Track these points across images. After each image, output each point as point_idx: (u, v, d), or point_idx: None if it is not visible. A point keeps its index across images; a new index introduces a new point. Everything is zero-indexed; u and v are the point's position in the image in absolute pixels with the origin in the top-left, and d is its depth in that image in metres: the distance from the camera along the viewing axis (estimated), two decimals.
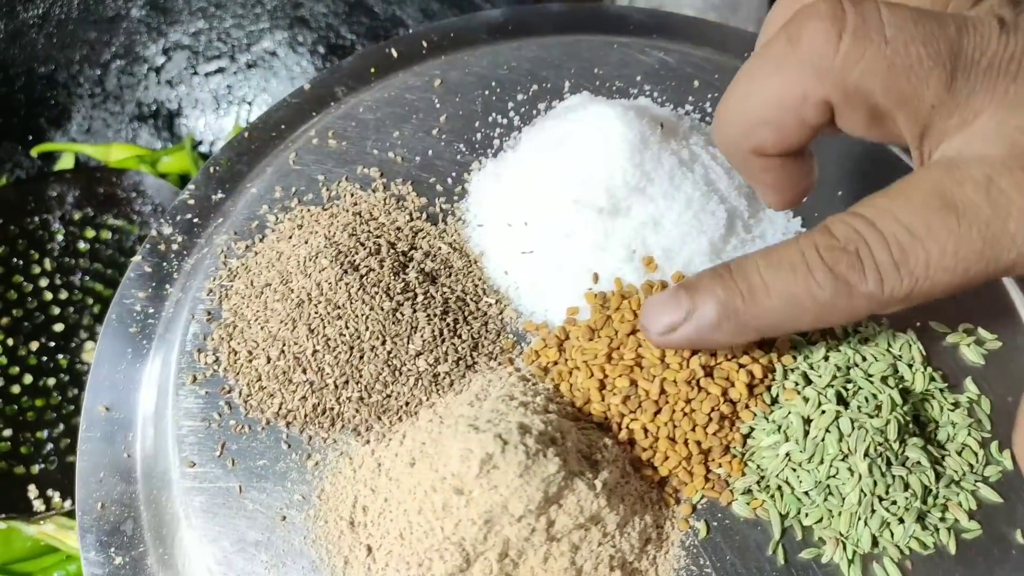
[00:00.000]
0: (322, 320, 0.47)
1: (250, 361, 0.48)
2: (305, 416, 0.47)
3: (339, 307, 0.47)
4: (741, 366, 0.48)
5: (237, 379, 0.48)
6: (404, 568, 0.41)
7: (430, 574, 0.40)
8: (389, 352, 0.48)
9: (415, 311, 0.49)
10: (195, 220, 0.57)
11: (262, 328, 0.49)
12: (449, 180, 0.57)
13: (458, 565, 0.40)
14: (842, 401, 0.47)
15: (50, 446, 0.63)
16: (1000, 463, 0.48)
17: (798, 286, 0.38)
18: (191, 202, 0.57)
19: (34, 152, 0.83)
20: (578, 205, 0.51)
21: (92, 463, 0.48)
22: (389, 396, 0.47)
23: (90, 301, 0.70)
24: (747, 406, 0.47)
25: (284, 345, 0.48)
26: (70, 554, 0.60)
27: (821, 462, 0.45)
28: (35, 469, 0.62)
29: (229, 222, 0.55)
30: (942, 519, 0.45)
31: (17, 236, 0.72)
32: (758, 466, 0.46)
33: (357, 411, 0.47)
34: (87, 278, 0.71)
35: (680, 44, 0.66)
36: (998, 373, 0.51)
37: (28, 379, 0.65)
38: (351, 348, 0.47)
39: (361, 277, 0.48)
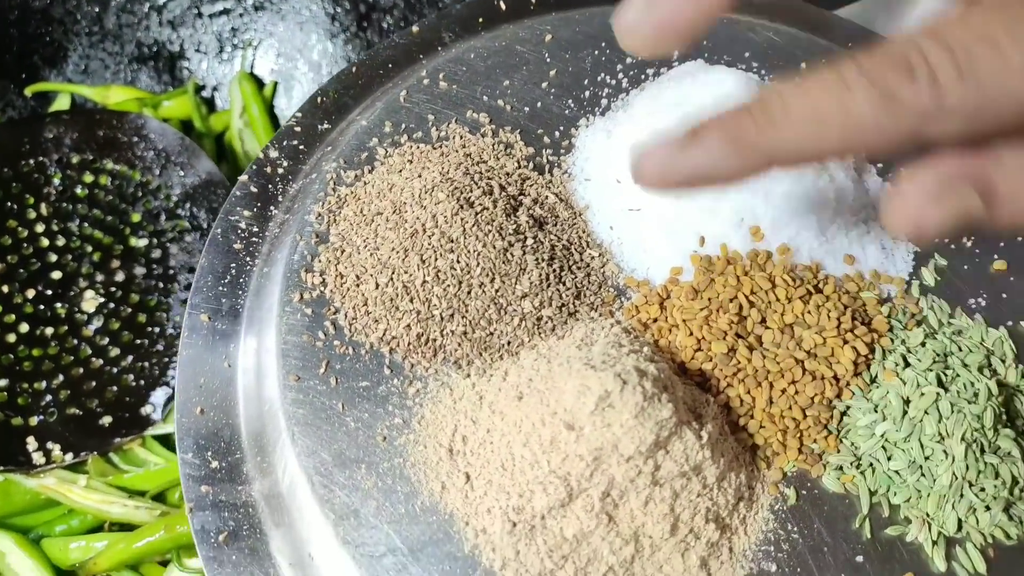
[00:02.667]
0: (435, 251, 0.48)
1: (357, 286, 0.49)
2: (409, 344, 0.48)
3: (452, 240, 0.48)
4: (845, 342, 0.48)
5: (343, 302, 0.49)
6: (504, 497, 0.42)
7: (530, 505, 0.41)
8: (497, 290, 0.48)
9: (524, 253, 0.49)
10: (301, 147, 0.58)
11: (371, 254, 0.49)
12: (556, 133, 0.58)
13: (560, 499, 0.40)
14: (941, 385, 0.47)
15: (49, 397, 0.60)
16: None
17: (827, 100, 0.31)
18: (297, 129, 0.58)
19: (28, 92, 0.80)
20: None
21: (193, 369, 0.49)
22: (492, 333, 0.48)
23: (89, 249, 0.66)
24: (847, 384, 0.48)
25: (393, 273, 0.48)
26: (72, 508, 0.59)
27: (918, 442, 0.45)
28: (33, 421, 0.59)
29: (337, 151, 0.56)
30: None
31: (11, 179, 0.69)
32: (852, 443, 0.47)
33: (460, 344, 0.48)
34: (86, 225, 0.67)
35: (790, 26, 0.66)
36: None
37: (24, 328, 0.62)
38: (460, 282, 0.48)
39: (476, 214, 0.49)
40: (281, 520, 0.44)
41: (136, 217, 0.68)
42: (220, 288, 0.52)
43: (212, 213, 0.68)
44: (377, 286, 0.48)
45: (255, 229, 0.54)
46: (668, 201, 0.52)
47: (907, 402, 0.47)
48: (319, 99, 0.60)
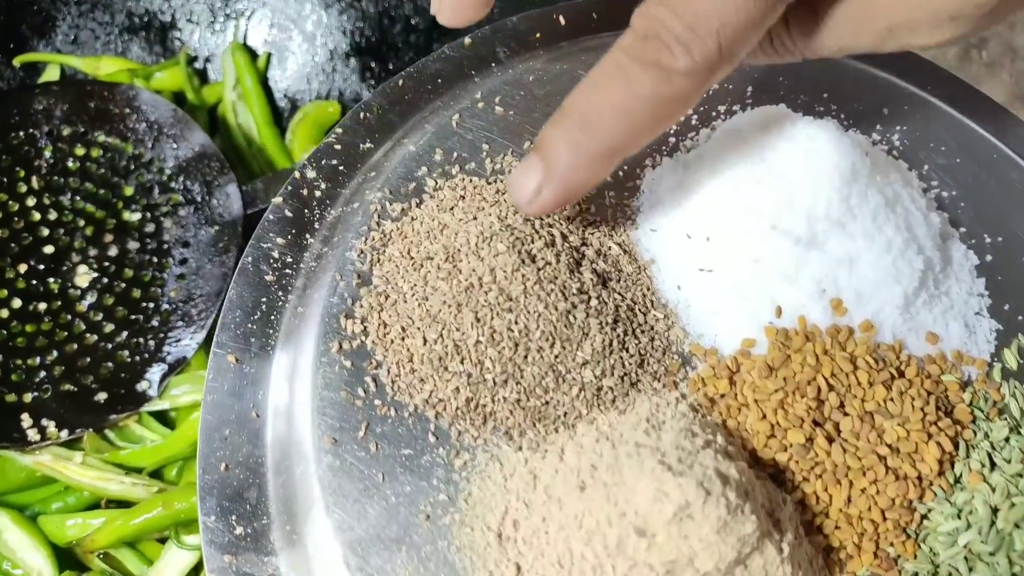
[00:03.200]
0: (491, 309, 0.44)
1: (403, 339, 0.45)
2: (457, 409, 0.43)
3: (512, 299, 0.44)
4: (930, 436, 0.44)
5: (386, 355, 0.45)
6: None
7: None
8: (556, 356, 0.44)
9: (588, 316, 0.45)
10: (341, 168, 0.53)
11: (419, 304, 0.45)
12: (620, 173, 0.53)
13: None
14: None
15: (43, 374, 0.58)
16: None
17: (621, 93, 0.37)
18: (337, 147, 0.53)
19: (17, 62, 0.77)
20: (775, 231, 0.47)
21: (217, 417, 0.45)
22: (548, 403, 0.44)
23: (81, 223, 0.64)
24: (930, 484, 0.44)
25: (444, 328, 0.44)
26: (68, 484, 0.57)
27: (1006, 558, 0.42)
28: (28, 398, 0.57)
29: (382, 179, 0.51)
30: None
31: (1, 152, 0.66)
32: (931, 549, 0.43)
33: (512, 413, 0.44)
34: (78, 198, 0.65)
35: (870, 65, 0.62)
36: None
37: (17, 303, 0.61)
38: (517, 345, 0.44)
39: (538, 270, 0.45)
40: None
41: (129, 191, 0.66)
42: (249, 325, 0.47)
43: (206, 186, 0.66)
44: (425, 341, 0.44)
45: (289, 259, 0.49)
46: (744, 263, 0.48)
47: (995, 511, 0.43)
48: (362, 115, 0.55)
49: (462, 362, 0.44)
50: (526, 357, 0.44)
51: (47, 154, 0.66)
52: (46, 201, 0.64)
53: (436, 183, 0.51)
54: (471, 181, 0.51)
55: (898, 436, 0.44)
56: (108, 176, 0.66)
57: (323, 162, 0.53)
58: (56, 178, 0.66)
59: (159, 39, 0.81)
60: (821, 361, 0.46)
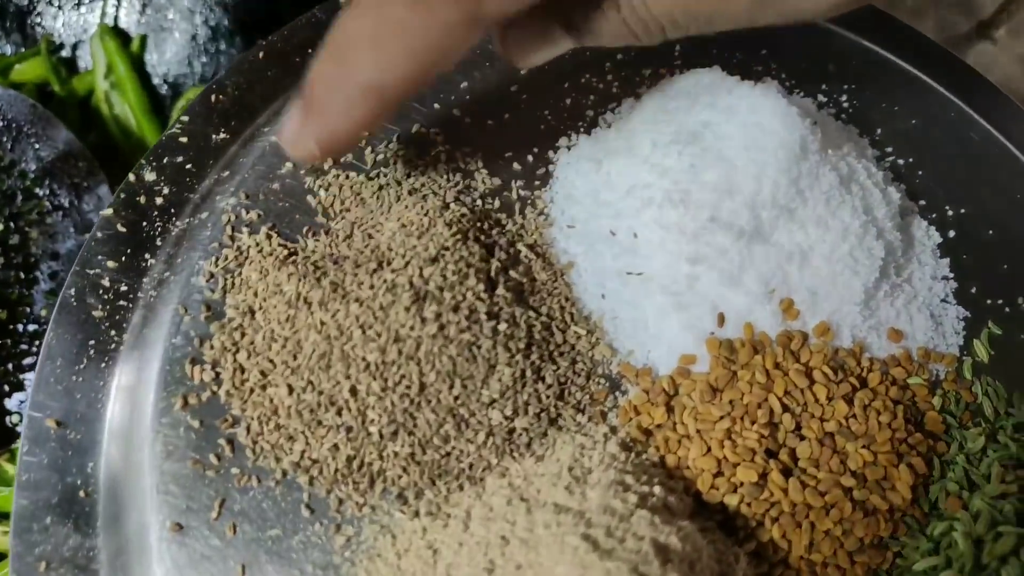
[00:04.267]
0: (375, 347, 0.35)
1: (264, 387, 0.36)
2: (336, 471, 0.35)
3: (400, 339, 0.35)
4: (900, 457, 0.38)
5: (244, 409, 0.36)
6: None
7: None
8: (456, 398, 0.36)
9: (495, 344, 0.37)
10: (188, 166, 0.43)
11: (285, 343, 0.36)
12: (529, 157, 0.45)
13: None
14: (1021, 519, 0.38)
15: None
16: None
17: (371, 21, 0.33)
18: (183, 140, 0.44)
19: None
20: (713, 223, 0.39)
21: (34, 500, 0.36)
22: (449, 455, 0.36)
23: None
24: (903, 514, 0.38)
25: (314, 374, 0.36)
26: None
27: None
28: None
29: (239, 179, 0.42)
30: None
31: None
32: None
33: (405, 470, 0.36)
34: None
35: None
36: None
37: None
38: (408, 388, 0.35)
39: (435, 292, 0.36)
40: None
41: None
42: (74, 378, 0.38)
43: (74, 189, 0.59)
44: (292, 390, 0.36)
45: (123, 288, 0.40)
46: (679, 264, 0.40)
47: (978, 543, 0.37)
48: (214, 97, 0.45)
49: (339, 413, 0.35)
50: (419, 402, 0.36)
51: None
52: None
53: (306, 184, 0.42)
54: (348, 178, 0.42)
55: (864, 461, 0.38)
56: None
57: (165, 160, 0.43)
58: None
59: (16, 26, 0.71)
60: (772, 377, 0.39)
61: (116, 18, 0.71)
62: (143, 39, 0.71)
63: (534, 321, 0.39)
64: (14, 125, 0.60)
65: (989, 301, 0.47)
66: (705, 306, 0.40)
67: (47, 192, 0.59)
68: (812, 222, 0.41)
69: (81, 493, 0.36)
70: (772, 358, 0.39)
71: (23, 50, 0.70)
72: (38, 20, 0.70)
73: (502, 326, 0.37)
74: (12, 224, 0.58)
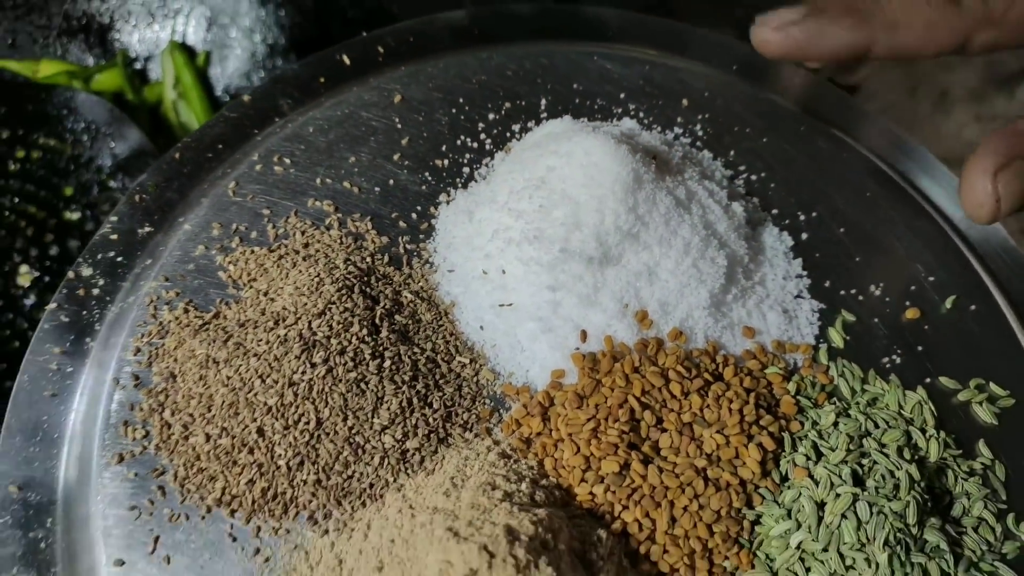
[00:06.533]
0: (276, 394, 0.43)
1: (186, 438, 0.44)
2: (253, 502, 0.43)
3: (293, 383, 0.43)
4: (750, 438, 0.45)
5: (171, 458, 0.44)
6: None
7: None
8: (351, 428, 0.43)
9: (381, 379, 0.44)
10: (119, 259, 0.51)
11: (200, 399, 0.44)
12: (413, 215, 0.53)
13: None
14: (858, 480, 0.44)
15: None
16: (1018, 537, 0.46)
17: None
18: (114, 237, 0.52)
19: None
20: (564, 254, 0.47)
21: (1, 554, 0.43)
22: (351, 477, 0.43)
23: (23, 224, 0.68)
24: (756, 487, 0.45)
25: (226, 421, 0.43)
26: None
27: (837, 553, 0.42)
28: None
29: (159, 264, 0.50)
30: None
31: None
32: (767, 556, 0.44)
33: (314, 495, 0.43)
34: (18, 200, 0.69)
35: (664, 54, 0.63)
36: (1011, 433, 0.50)
37: None
38: (307, 424, 0.43)
39: (323, 341, 0.44)
40: None
41: (69, 190, 0.70)
42: (32, 450, 0.46)
43: None
44: (208, 438, 0.43)
45: (69, 369, 0.48)
46: (542, 292, 0.48)
47: (821, 506, 0.44)
48: (137, 197, 0.54)
49: (251, 452, 0.43)
50: (319, 435, 0.43)
51: None
52: None
53: (215, 262, 0.50)
54: (252, 251, 0.50)
55: (717, 443, 0.45)
56: (48, 177, 0.70)
57: (99, 256, 0.51)
58: None
59: (99, 41, 0.83)
60: (631, 380, 0.46)
61: (184, 35, 0.83)
62: (208, 54, 0.82)
63: (419, 356, 0.47)
64: (93, 126, 0.71)
65: (843, 292, 0.54)
66: (569, 326, 0.48)
67: (119, 185, 0.70)
68: (655, 242, 0.48)
69: (42, 544, 0.43)
70: (630, 364, 0.47)
71: (103, 62, 0.81)
72: (117, 36, 0.83)
73: (386, 363, 0.45)
74: (88, 212, 0.69)
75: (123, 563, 0.41)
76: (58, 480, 0.45)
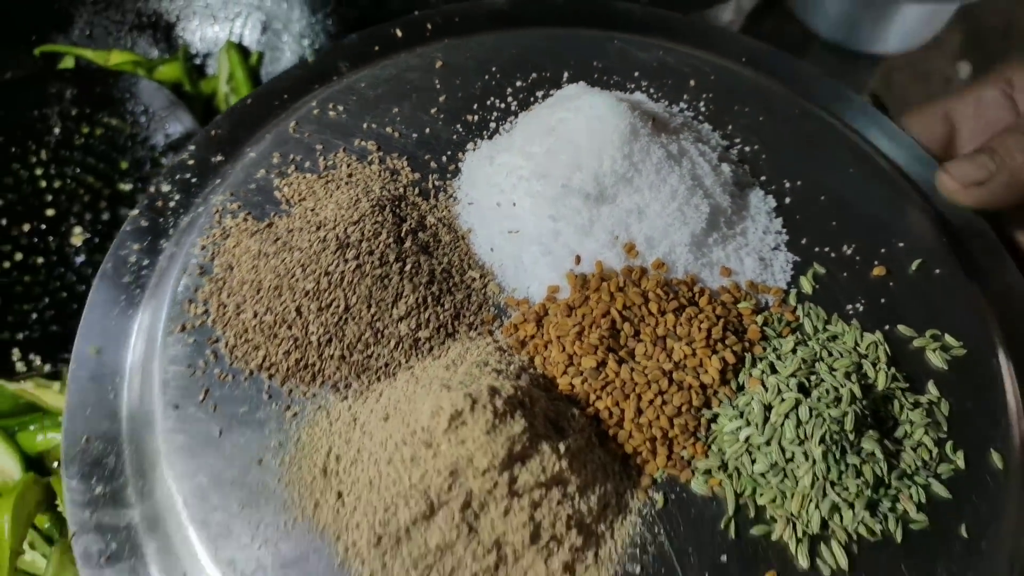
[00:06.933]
0: (313, 282, 0.52)
1: (238, 314, 0.53)
2: (287, 370, 0.51)
3: (328, 273, 0.52)
4: (715, 352, 0.52)
5: (224, 331, 0.53)
6: (371, 512, 0.45)
7: (395, 518, 0.44)
8: (373, 315, 0.52)
9: (402, 279, 0.53)
10: (193, 180, 0.61)
11: (250, 284, 0.53)
12: (444, 158, 0.62)
13: (422, 511, 0.44)
14: (804, 391, 0.51)
15: (35, 316, 0.70)
16: (953, 462, 0.52)
17: None
18: (191, 163, 0.62)
19: (36, 52, 0.90)
20: (565, 190, 0.56)
21: (79, 400, 0.52)
22: (370, 356, 0.52)
23: (81, 191, 0.77)
24: (715, 393, 0.52)
25: (271, 302, 0.52)
26: (47, 410, 0.67)
27: (779, 446, 0.49)
28: (19, 336, 0.69)
29: (227, 183, 0.60)
30: (892, 509, 0.50)
31: (17, 127, 0.80)
32: (720, 449, 0.51)
33: (338, 368, 0.52)
34: (79, 170, 0.78)
35: (680, 44, 0.71)
36: (960, 378, 0.56)
37: (19, 256, 0.73)
38: (337, 309, 0.52)
39: (357, 244, 0.53)
40: (160, 541, 0.48)
41: (124, 165, 0.78)
42: (108, 321, 0.55)
43: None
44: (255, 315, 0.52)
45: (145, 262, 0.58)
46: (545, 222, 0.56)
47: (769, 408, 0.51)
48: (212, 132, 0.64)
49: (289, 328, 0.52)
50: (346, 318, 0.52)
51: (56, 131, 0.80)
52: (52, 171, 0.78)
53: (274, 183, 0.59)
54: (304, 177, 0.60)
55: (684, 354, 0.52)
56: (107, 152, 0.79)
57: (176, 177, 0.62)
58: (62, 152, 0.79)
59: (164, 36, 0.94)
60: (615, 297, 0.54)
61: (241, 36, 0.93)
62: (260, 55, 0.92)
63: (436, 266, 0.55)
64: (151, 110, 0.81)
65: (817, 249, 0.61)
66: (566, 251, 0.56)
67: (169, 162, 0.75)
68: (646, 186, 0.56)
69: (111, 395, 0.53)
70: (616, 284, 0.55)
71: (166, 56, 0.92)
72: (181, 33, 0.93)
73: (407, 267, 0.54)
74: (140, 185, 0.78)
75: (177, 407, 0.50)
76: (129, 347, 0.55)
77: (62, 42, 0.91)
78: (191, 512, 0.47)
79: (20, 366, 0.67)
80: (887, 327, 0.58)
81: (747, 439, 0.50)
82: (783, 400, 0.50)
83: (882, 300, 0.59)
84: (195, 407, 0.50)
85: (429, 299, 0.54)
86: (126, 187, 0.77)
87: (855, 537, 0.49)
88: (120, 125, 0.78)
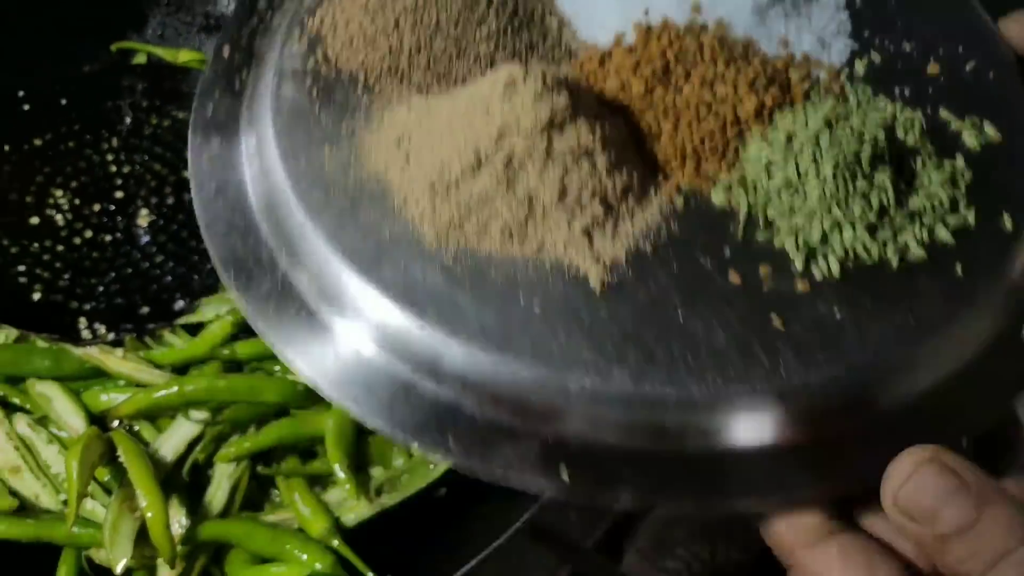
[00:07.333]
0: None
1: (347, 25, 0.63)
2: (380, 71, 0.61)
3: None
4: (757, 93, 0.58)
5: (333, 38, 0.63)
6: (429, 166, 0.54)
7: (448, 171, 0.53)
8: (460, 32, 0.61)
9: (489, 7, 0.62)
10: None
11: (362, 6, 0.63)
12: None
13: (470, 164, 0.53)
14: (829, 125, 0.57)
15: (101, 289, 0.78)
16: (963, 217, 0.57)
17: None
18: None
19: (112, 48, 1.01)
20: None
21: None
22: (452, 69, 0.61)
23: (148, 177, 0.86)
24: (749, 128, 0.58)
25: (375, 16, 0.62)
26: (110, 373, 0.74)
27: (794, 163, 0.55)
28: (87, 306, 0.77)
29: None
30: (893, 238, 0.55)
31: (92, 117, 0.91)
32: (743, 171, 0.57)
33: (424, 75, 0.61)
34: (147, 158, 0.88)
35: None
36: (989, 160, 0.60)
37: (89, 234, 0.82)
38: (428, 23, 0.61)
39: None
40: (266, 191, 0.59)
41: None
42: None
43: None
44: (360, 26, 0.62)
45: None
46: None
47: (791, 137, 0.56)
48: None
49: (387, 38, 0.62)
50: (435, 34, 0.61)
51: (127, 121, 0.91)
52: (122, 158, 0.89)
53: None
54: None
55: (725, 92, 0.59)
56: (174, 142, 0.89)
57: None
58: (132, 140, 0.90)
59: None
60: (673, 43, 0.61)
61: None
62: None
63: (519, 5, 0.64)
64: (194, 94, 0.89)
65: (877, 41, 0.66)
66: (637, 4, 0.63)
67: None
68: None
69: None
70: (676, 32, 0.61)
71: None
72: None
73: (495, 2, 0.62)
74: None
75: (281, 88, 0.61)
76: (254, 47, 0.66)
77: (136, 40, 1.02)
78: (287, 166, 0.57)
79: (86, 334, 0.75)
80: (928, 111, 0.62)
81: (768, 159, 0.56)
82: (807, 126, 0.56)
83: (929, 90, 0.63)
84: (302, 94, 0.61)
85: (510, 30, 0.62)
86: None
87: (852, 255, 0.54)
88: (186, 118, 0.77)
